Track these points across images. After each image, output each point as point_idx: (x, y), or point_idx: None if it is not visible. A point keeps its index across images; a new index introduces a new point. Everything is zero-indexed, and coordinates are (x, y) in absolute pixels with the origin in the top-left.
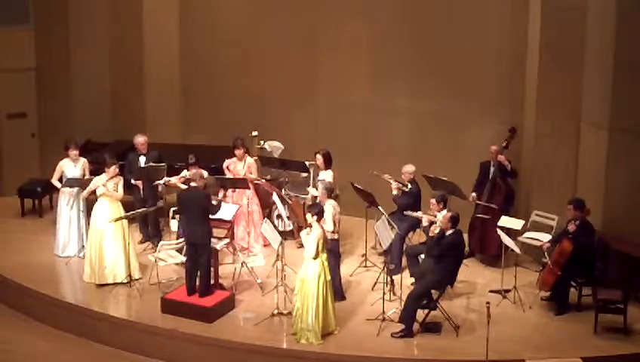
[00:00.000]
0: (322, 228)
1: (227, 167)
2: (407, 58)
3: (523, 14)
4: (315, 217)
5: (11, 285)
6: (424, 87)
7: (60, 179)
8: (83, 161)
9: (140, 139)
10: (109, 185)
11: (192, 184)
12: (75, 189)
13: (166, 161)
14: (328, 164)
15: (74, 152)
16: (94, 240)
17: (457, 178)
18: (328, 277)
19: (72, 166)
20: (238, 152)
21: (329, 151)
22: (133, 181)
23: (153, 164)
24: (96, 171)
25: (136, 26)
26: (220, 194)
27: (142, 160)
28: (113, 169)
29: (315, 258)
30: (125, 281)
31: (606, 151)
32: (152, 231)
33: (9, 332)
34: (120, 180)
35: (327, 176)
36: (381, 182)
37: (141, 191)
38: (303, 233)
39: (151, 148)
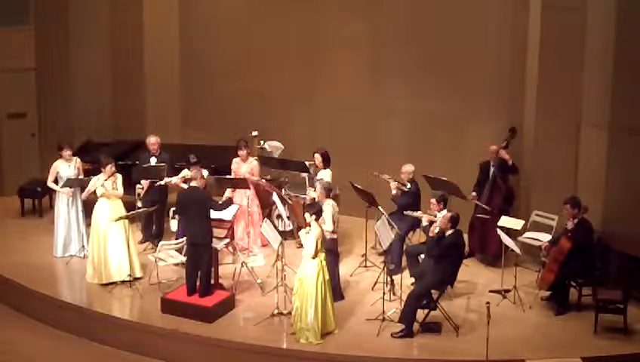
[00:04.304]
0: (321, 227)
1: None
2: (407, 58)
3: (523, 14)
4: (314, 217)
5: (11, 285)
6: (424, 87)
7: (56, 180)
8: (76, 160)
9: (152, 140)
10: (107, 184)
11: (192, 184)
12: (73, 189)
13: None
14: (327, 163)
15: (67, 152)
16: (96, 241)
17: (457, 178)
18: (327, 277)
19: (66, 166)
20: (241, 153)
21: (327, 151)
22: (142, 181)
23: (153, 164)
24: (95, 171)
25: (136, 27)
26: (227, 193)
27: (152, 161)
28: (109, 168)
29: (313, 257)
30: (127, 280)
31: (606, 151)
32: (156, 231)
33: (9, 332)
34: (118, 178)
35: (325, 175)
36: (381, 182)
37: (147, 192)
38: (301, 232)
39: (163, 150)
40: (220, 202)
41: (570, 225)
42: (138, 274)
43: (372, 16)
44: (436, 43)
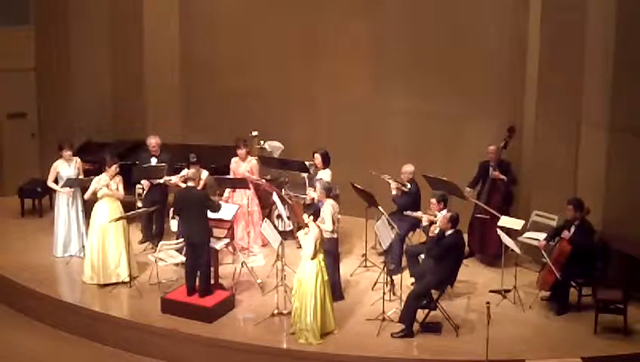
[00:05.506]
0: (319, 228)
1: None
2: (407, 58)
3: (523, 14)
4: (312, 217)
5: (11, 285)
6: (424, 87)
7: (56, 180)
8: (76, 160)
9: (152, 141)
10: (112, 184)
11: (190, 183)
12: (73, 189)
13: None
14: (327, 163)
15: (68, 153)
16: (95, 241)
17: (457, 178)
18: (326, 277)
19: (66, 166)
20: (240, 152)
21: (327, 151)
22: (142, 181)
23: (153, 164)
24: (96, 171)
25: (136, 26)
26: (227, 193)
27: (153, 161)
28: (114, 168)
29: (312, 258)
30: (126, 281)
31: (606, 151)
32: (156, 231)
33: (9, 332)
34: (121, 180)
35: (325, 175)
36: (381, 182)
37: (147, 192)
38: (300, 233)
39: (163, 151)
40: (215, 203)
41: (566, 233)
42: (135, 274)
43: (372, 16)
44: (436, 43)
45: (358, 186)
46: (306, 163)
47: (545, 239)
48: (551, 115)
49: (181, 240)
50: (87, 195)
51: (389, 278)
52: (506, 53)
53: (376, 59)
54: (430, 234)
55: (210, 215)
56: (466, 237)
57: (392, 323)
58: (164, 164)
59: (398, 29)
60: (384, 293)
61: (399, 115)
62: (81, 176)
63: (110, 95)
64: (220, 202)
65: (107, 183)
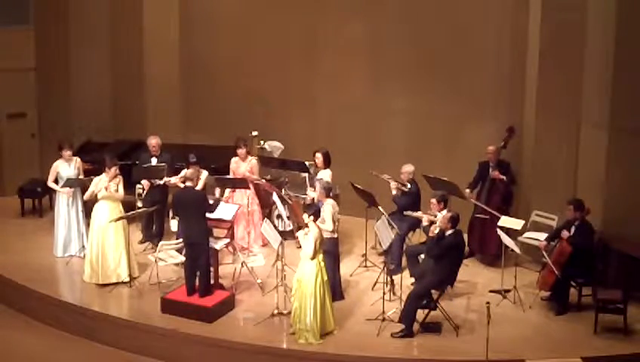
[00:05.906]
0: (319, 228)
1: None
2: (407, 58)
3: (523, 14)
4: (312, 218)
5: (11, 285)
6: (423, 87)
7: (56, 180)
8: (76, 160)
9: (152, 141)
10: (111, 186)
11: (188, 184)
12: (73, 189)
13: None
14: (328, 163)
15: (68, 153)
16: (95, 241)
17: (457, 178)
18: (325, 277)
19: (66, 166)
20: (240, 152)
21: (328, 151)
22: (143, 181)
23: (153, 165)
24: (95, 171)
25: (136, 26)
26: (217, 193)
27: (153, 161)
28: (114, 170)
29: (312, 258)
30: (126, 281)
31: (606, 151)
32: (156, 231)
33: (9, 332)
34: (120, 180)
35: (325, 175)
36: (381, 182)
37: (147, 192)
38: (300, 233)
39: (164, 151)
40: (211, 203)
41: (565, 233)
42: (136, 274)
43: (372, 16)
44: (436, 43)
45: (358, 186)
46: (306, 163)
47: (546, 240)
48: (551, 115)
49: (181, 240)
50: (86, 196)
51: (389, 278)
52: (506, 53)
53: (376, 59)
54: (430, 234)
55: (211, 215)
56: (466, 237)
57: (392, 323)
58: (164, 164)
59: (397, 29)
60: (384, 293)
61: (399, 115)
62: (81, 176)
63: (110, 95)
64: (220, 202)
65: (106, 185)
